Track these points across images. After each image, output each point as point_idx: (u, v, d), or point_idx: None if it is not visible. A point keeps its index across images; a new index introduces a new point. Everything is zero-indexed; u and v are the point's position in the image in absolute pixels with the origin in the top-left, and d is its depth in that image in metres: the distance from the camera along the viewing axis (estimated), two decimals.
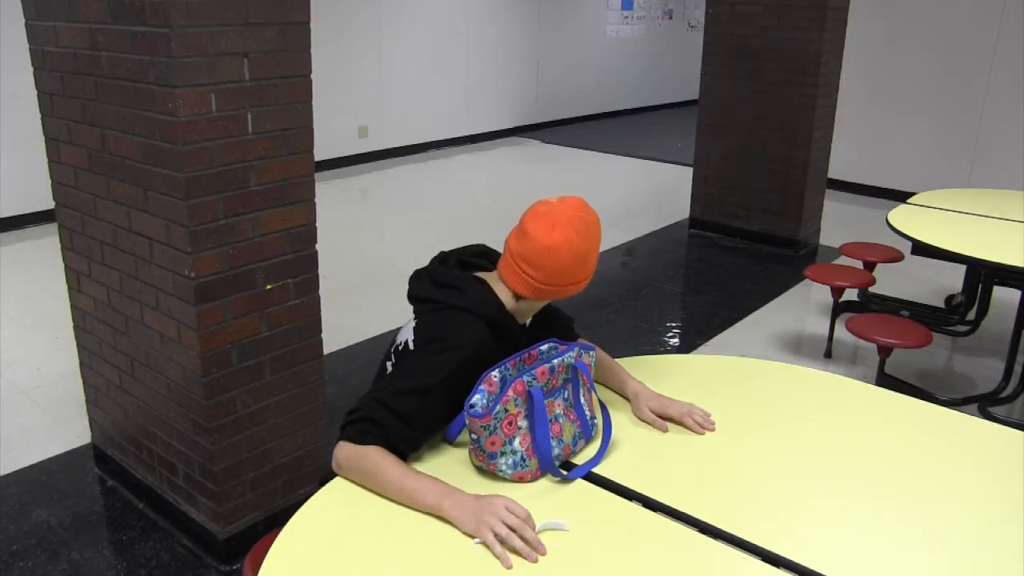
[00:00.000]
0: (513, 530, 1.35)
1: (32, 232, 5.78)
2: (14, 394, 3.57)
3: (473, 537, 1.37)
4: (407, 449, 1.54)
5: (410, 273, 1.72)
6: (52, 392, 3.57)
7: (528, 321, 1.72)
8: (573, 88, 10.70)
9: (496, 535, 1.34)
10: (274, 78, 2.23)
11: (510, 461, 1.52)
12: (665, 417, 1.76)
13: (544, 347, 1.62)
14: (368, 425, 1.50)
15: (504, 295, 1.63)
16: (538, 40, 9.96)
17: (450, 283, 1.63)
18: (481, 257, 1.74)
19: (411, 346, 1.60)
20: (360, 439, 1.50)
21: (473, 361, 1.55)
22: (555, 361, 1.58)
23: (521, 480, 1.53)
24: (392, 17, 8.10)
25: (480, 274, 1.67)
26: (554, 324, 1.82)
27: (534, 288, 1.59)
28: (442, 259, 1.73)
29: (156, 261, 2.32)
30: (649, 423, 1.76)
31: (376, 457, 1.49)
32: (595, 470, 1.58)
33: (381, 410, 1.51)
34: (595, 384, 1.72)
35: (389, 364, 1.65)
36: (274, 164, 2.30)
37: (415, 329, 1.62)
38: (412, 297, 1.69)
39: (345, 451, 1.52)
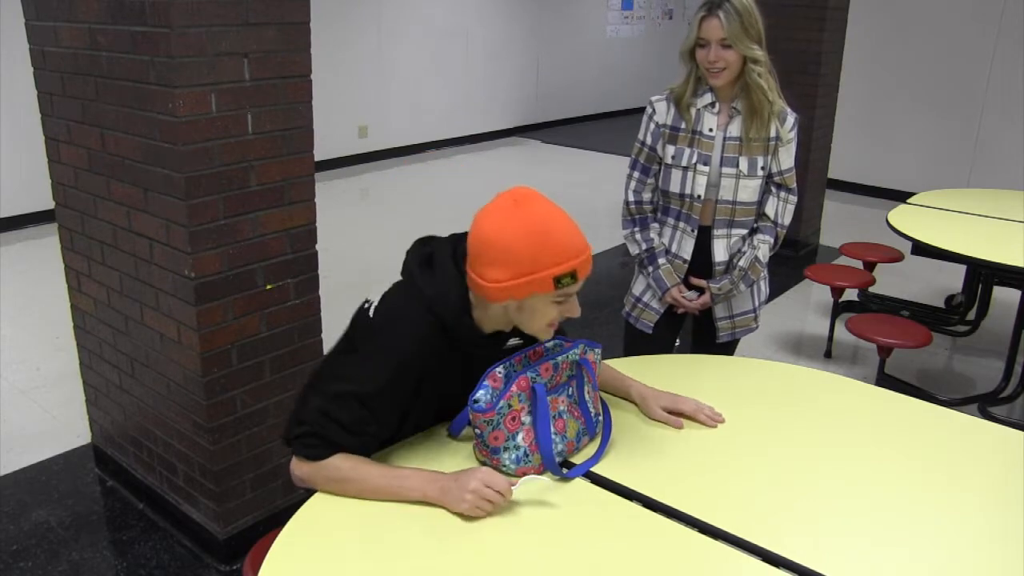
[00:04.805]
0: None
1: (32, 232, 5.77)
2: (14, 394, 3.56)
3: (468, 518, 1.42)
4: (363, 452, 1.51)
5: None
6: (52, 392, 3.57)
7: (502, 331, 1.58)
8: (573, 88, 10.70)
9: (475, 507, 1.41)
10: (274, 78, 2.23)
11: (513, 456, 1.52)
12: (677, 413, 1.76)
13: (549, 344, 1.63)
14: (317, 440, 1.47)
15: (477, 298, 1.51)
16: (538, 40, 9.96)
17: (435, 269, 1.52)
18: None
19: (371, 314, 1.51)
20: (313, 456, 1.47)
21: (414, 368, 1.49)
22: (559, 358, 1.58)
23: (524, 475, 1.53)
24: (392, 17, 8.10)
25: None
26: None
27: (501, 289, 1.43)
28: (461, 241, 1.56)
29: (156, 261, 2.32)
30: (664, 422, 1.75)
31: (344, 464, 1.46)
32: (595, 469, 1.58)
33: (325, 422, 1.46)
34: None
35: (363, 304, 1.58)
36: (274, 164, 2.30)
37: (382, 297, 1.55)
38: (405, 258, 1.58)
39: (303, 469, 1.48)
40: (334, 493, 1.48)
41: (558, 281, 1.43)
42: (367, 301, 1.56)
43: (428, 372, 1.51)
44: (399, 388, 1.49)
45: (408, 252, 1.58)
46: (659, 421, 1.76)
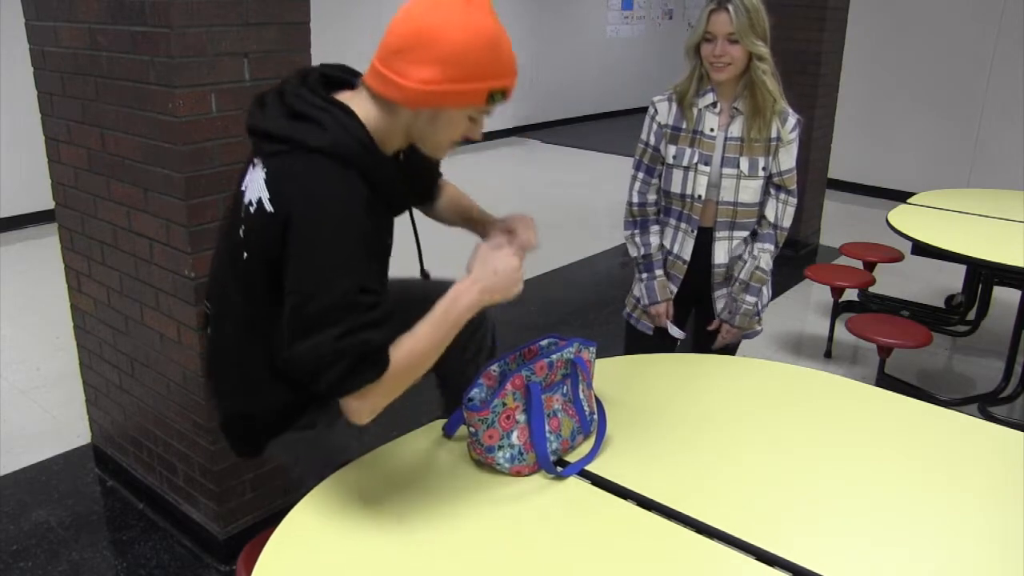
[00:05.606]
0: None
1: (32, 232, 5.77)
2: (14, 394, 3.56)
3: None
4: (395, 331, 1.37)
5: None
6: (52, 392, 3.57)
7: (400, 153, 1.44)
8: (573, 88, 10.69)
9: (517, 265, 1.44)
10: (274, 78, 2.23)
11: (508, 455, 1.52)
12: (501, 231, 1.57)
13: (544, 342, 1.63)
14: (362, 364, 1.30)
15: (369, 114, 1.35)
16: (538, 40, 9.95)
17: (308, 113, 1.32)
18: (349, 75, 1.44)
19: (268, 207, 1.32)
20: (374, 376, 1.31)
21: (364, 220, 1.32)
22: (554, 356, 1.58)
23: (519, 474, 1.53)
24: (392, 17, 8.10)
25: (344, 95, 1.39)
26: (422, 171, 1.64)
27: (427, 93, 1.28)
28: (303, 77, 1.41)
29: (156, 261, 2.32)
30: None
31: (400, 356, 1.33)
32: (590, 468, 1.57)
33: (353, 341, 1.29)
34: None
35: (241, 231, 1.39)
36: None
37: (270, 188, 1.33)
38: (256, 132, 1.37)
39: (370, 399, 1.33)
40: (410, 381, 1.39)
41: (491, 96, 1.33)
42: (249, 201, 1.37)
43: (375, 215, 1.37)
44: (372, 250, 1.36)
45: (259, 123, 1.38)
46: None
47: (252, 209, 1.36)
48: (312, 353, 1.30)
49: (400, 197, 1.50)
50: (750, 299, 2.36)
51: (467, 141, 1.45)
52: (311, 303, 1.30)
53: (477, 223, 1.74)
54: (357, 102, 1.37)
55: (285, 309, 1.34)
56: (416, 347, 1.36)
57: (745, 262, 2.36)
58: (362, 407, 1.35)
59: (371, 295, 1.32)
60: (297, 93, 1.36)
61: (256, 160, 1.39)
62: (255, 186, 1.36)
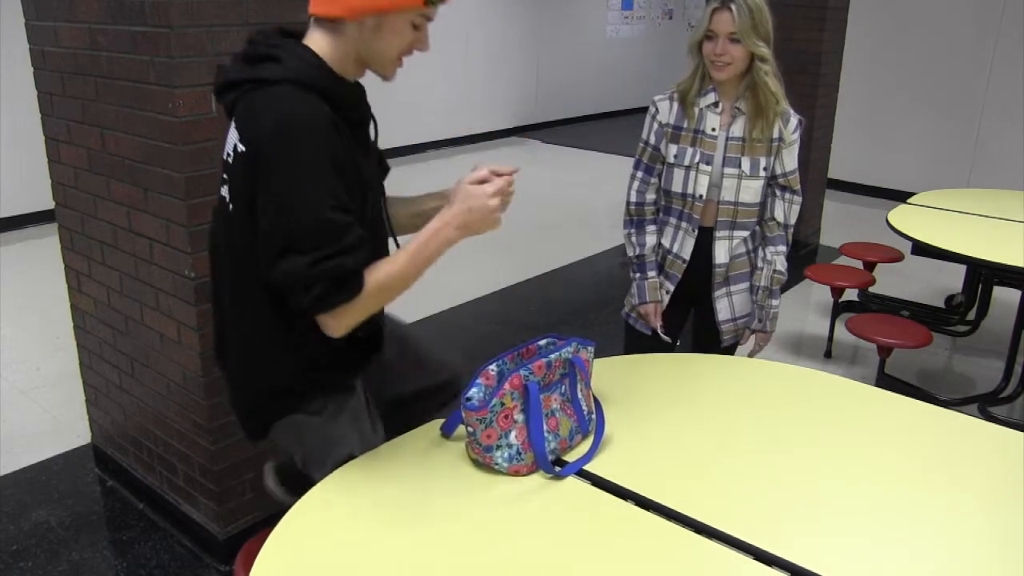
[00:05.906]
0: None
1: (32, 232, 5.77)
2: (14, 394, 3.56)
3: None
4: (373, 255, 1.44)
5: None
6: (52, 392, 3.57)
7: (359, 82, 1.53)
8: (573, 88, 10.69)
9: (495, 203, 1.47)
10: None
11: (506, 455, 1.52)
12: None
13: (542, 342, 1.64)
14: (336, 286, 1.37)
15: (321, 45, 1.43)
16: (538, 40, 9.95)
17: (264, 53, 1.40)
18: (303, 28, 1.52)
19: (240, 148, 1.38)
20: (348, 298, 1.39)
21: (333, 138, 1.37)
22: (552, 356, 1.58)
23: (517, 473, 1.53)
24: None
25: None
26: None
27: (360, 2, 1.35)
28: (257, 32, 1.49)
29: (156, 261, 2.32)
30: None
31: (373, 279, 1.41)
32: (588, 468, 1.57)
33: (329, 265, 1.35)
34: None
35: (224, 190, 1.46)
36: None
37: (239, 128, 1.39)
38: (221, 89, 1.44)
39: (344, 317, 1.41)
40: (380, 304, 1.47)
41: None
42: (227, 155, 1.44)
43: (343, 137, 1.41)
44: (342, 167, 1.39)
45: (222, 81, 1.45)
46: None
47: (231, 160, 1.44)
48: (288, 278, 1.38)
49: (364, 116, 1.56)
50: (774, 302, 2.40)
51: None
52: (283, 224, 1.36)
53: (436, 199, 1.76)
54: (309, 40, 1.45)
55: (259, 233, 1.39)
56: (392, 271, 1.44)
57: (761, 269, 2.38)
58: (337, 324, 1.44)
59: (345, 213, 1.38)
60: (251, 41, 1.46)
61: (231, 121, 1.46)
62: (230, 139, 1.44)
